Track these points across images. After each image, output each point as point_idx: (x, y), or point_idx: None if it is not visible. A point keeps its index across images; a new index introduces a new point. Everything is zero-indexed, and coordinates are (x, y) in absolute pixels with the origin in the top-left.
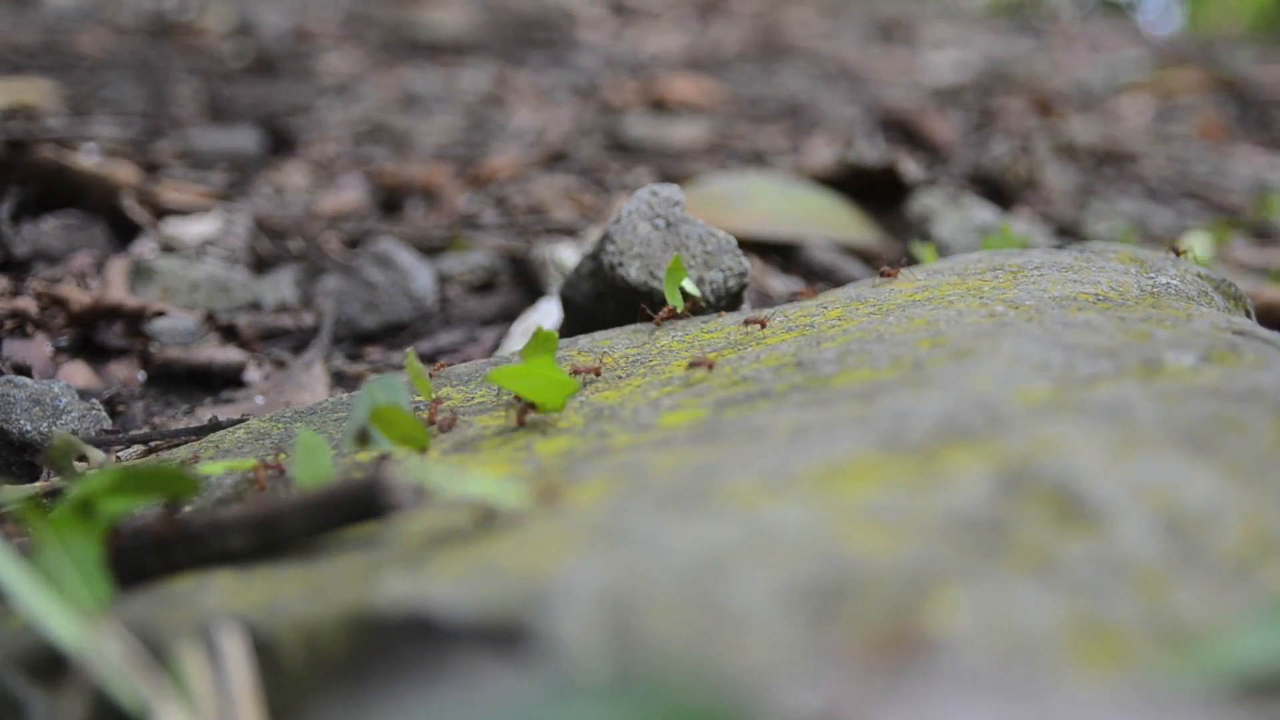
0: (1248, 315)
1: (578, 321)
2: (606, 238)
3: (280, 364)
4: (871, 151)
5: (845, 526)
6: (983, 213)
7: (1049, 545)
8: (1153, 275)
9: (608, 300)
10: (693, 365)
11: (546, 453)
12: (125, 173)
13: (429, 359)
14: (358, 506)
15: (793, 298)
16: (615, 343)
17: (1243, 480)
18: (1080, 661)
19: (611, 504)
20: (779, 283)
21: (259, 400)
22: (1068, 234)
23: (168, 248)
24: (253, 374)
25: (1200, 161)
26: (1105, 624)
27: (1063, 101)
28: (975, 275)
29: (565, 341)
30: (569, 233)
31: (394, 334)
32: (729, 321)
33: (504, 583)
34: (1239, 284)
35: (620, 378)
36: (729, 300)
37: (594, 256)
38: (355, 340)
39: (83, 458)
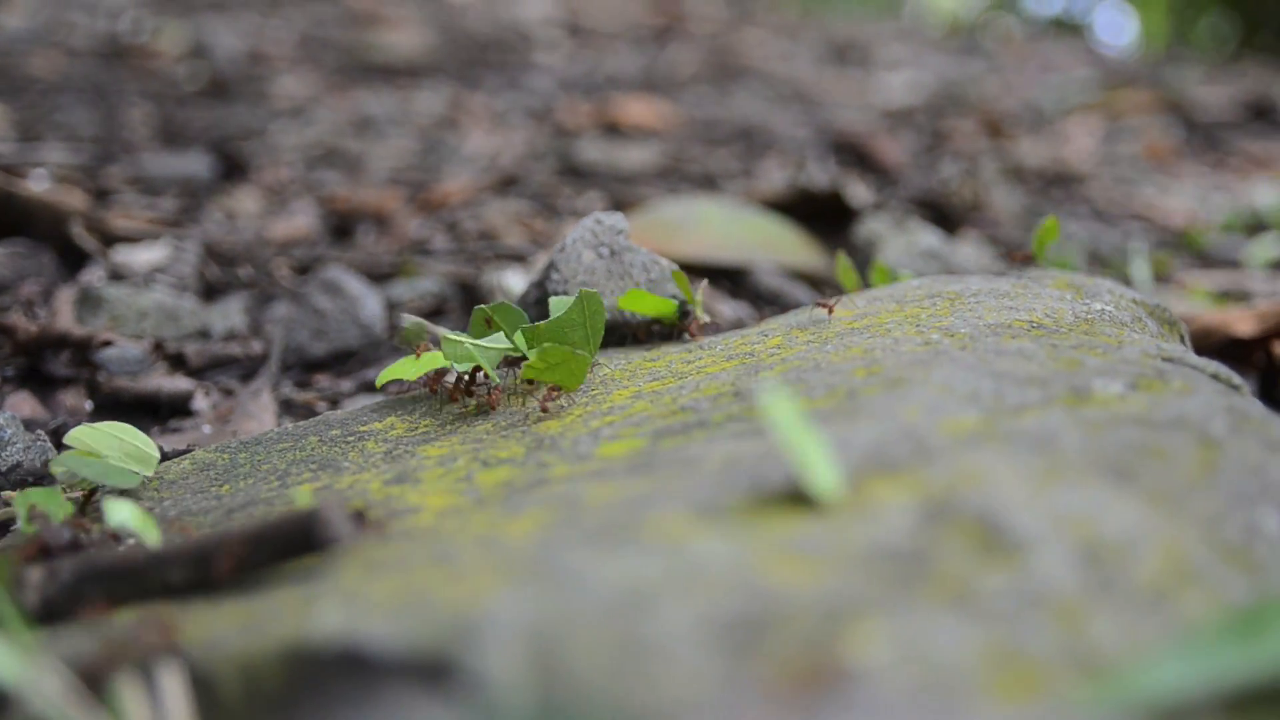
0: (1182, 340)
1: None
2: (551, 266)
3: (228, 392)
4: (823, 174)
5: (769, 559)
6: (928, 237)
7: (969, 576)
8: (1088, 301)
9: None
10: None
11: (486, 483)
12: (75, 200)
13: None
14: (296, 540)
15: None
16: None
17: (1163, 509)
18: (996, 692)
19: (543, 537)
20: (727, 308)
21: (206, 430)
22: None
23: (116, 275)
24: (200, 403)
25: (1147, 183)
26: (1022, 654)
27: (1013, 123)
28: (914, 302)
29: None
30: (518, 259)
31: (343, 361)
32: (671, 350)
33: (434, 617)
34: (1176, 307)
35: (563, 408)
36: (672, 328)
37: (540, 284)
38: (304, 368)
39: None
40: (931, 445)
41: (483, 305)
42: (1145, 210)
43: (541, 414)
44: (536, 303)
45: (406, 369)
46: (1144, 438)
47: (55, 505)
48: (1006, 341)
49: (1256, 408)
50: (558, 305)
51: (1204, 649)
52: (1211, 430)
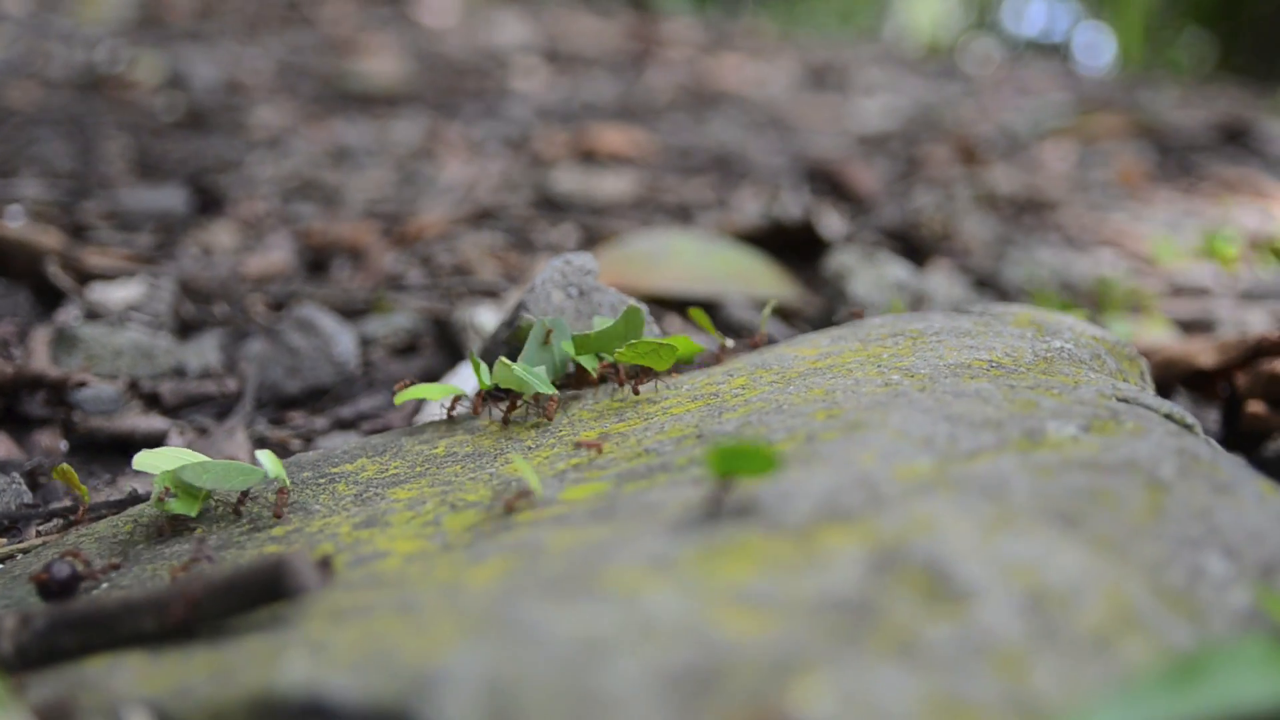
0: (1142, 376)
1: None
2: (521, 306)
3: (203, 431)
4: (796, 203)
5: (720, 611)
6: (897, 270)
7: (915, 626)
8: (1048, 339)
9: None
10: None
11: (453, 528)
12: (50, 238)
13: (350, 424)
14: (265, 588)
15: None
16: (528, 415)
17: (1108, 554)
18: None
19: (504, 586)
20: (699, 341)
21: None
22: (986, 285)
23: (92, 314)
24: (175, 442)
25: (1119, 208)
26: (964, 704)
27: (988, 148)
28: (876, 341)
29: (481, 413)
30: (491, 294)
31: (317, 398)
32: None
33: (395, 668)
34: (1142, 337)
35: (530, 449)
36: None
37: (510, 324)
38: (278, 405)
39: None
40: (884, 493)
41: (542, 319)
42: (1116, 237)
43: (633, 395)
44: (506, 342)
45: (429, 391)
46: (1093, 482)
47: (192, 491)
48: (965, 382)
49: (1206, 449)
50: (602, 319)
51: (1143, 697)
52: (1160, 473)
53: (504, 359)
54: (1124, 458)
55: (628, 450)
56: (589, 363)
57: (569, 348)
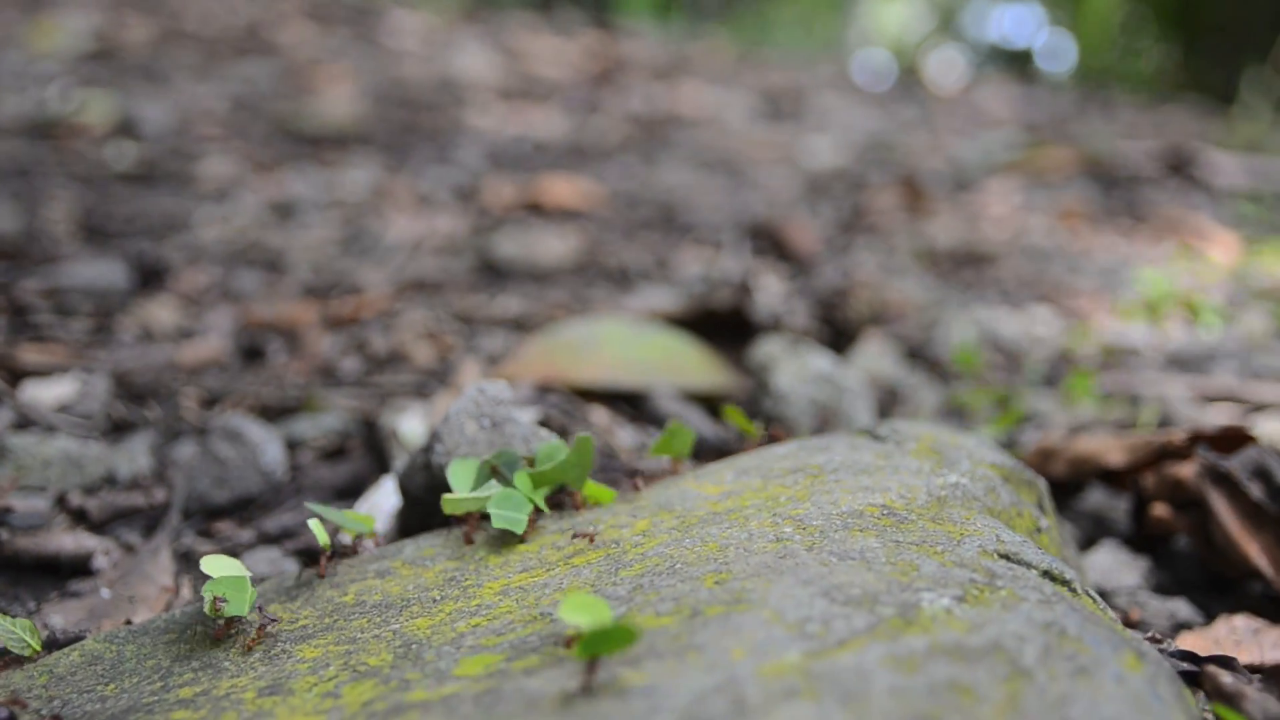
0: (1039, 503)
1: (415, 511)
2: (436, 437)
3: (129, 548)
4: (737, 264)
5: None
6: (820, 361)
7: None
8: (944, 473)
9: (441, 495)
10: None
11: (351, 703)
12: None
13: (274, 540)
14: None
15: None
16: (438, 554)
17: None
18: None
19: None
20: (627, 434)
21: (105, 594)
22: (917, 357)
23: (23, 420)
24: (101, 561)
25: (1059, 257)
26: None
27: (935, 187)
28: (777, 478)
29: (392, 548)
30: (421, 393)
31: (245, 508)
32: (546, 531)
33: None
34: (1057, 420)
35: (435, 600)
36: (556, 501)
37: (426, 451)
38: (206, 515)
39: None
40: (748, 697)
41: (489, 456)
42: (1053, 292)
43: (673, 474)
44: (424, 467)
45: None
46: (954, 674)
47: (240, 592)
48: (853, 537)
49: (1075, 619)
50: (555, 450)
51: None
52: (1023, 659)
53: (449, 495)
54: (990, 639)
55: (525, 610)
56: (540, 497)
57: (523, 480)
